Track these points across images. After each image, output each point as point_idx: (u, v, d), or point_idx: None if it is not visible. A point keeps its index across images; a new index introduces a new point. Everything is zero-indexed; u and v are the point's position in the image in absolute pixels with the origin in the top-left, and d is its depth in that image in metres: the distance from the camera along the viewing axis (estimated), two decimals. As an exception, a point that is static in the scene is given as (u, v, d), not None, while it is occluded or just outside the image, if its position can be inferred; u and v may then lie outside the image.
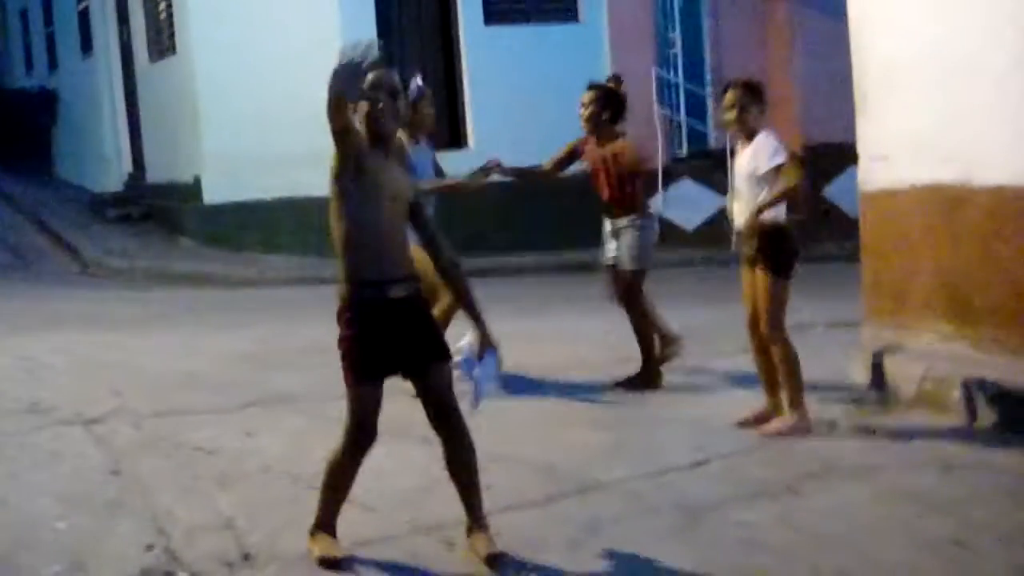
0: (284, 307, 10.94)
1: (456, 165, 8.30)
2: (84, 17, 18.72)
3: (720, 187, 14.91)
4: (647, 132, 13.68)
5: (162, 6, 15.77)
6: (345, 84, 3.80)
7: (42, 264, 14.46)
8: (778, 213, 5.59)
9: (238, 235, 14.22)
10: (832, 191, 14.37)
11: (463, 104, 14.71)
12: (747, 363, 6.81)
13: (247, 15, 13.88)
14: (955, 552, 4.15)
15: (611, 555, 4.19)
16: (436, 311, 6.66)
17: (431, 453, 4.83)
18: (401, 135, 6.55)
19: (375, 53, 3.89)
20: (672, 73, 16.31)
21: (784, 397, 5.71)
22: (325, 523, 4.14)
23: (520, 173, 7.32)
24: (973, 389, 5.76)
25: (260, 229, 14.05)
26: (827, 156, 13.62)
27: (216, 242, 14.45)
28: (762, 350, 5.80)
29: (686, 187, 15.12)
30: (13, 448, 5.58)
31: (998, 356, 6.07)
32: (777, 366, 5.70)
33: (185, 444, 5.60)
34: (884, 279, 6.93)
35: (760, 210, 5.53)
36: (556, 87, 13.47)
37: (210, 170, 14.33)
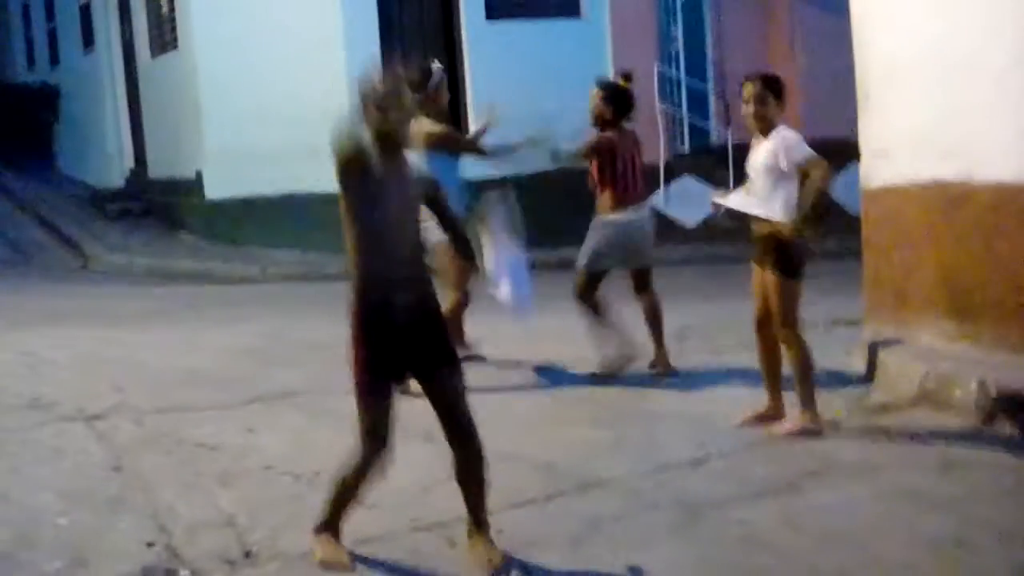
0: (285, 303, 10.95)
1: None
2: (86, 12, 18.71)
3: (722, 184, 14.94)
4: (649, 128, 13.66)
5: (164, 1, 15.76)
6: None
7: (43, 260, 14.47)
8: (788, 213, 5.53)
9: (239, 231, 14.22)
10: (833, 188, 14.35)
11: (465, 99, 14.70)
12: (748, 360, 6.81)
13: (249, 11, 13.87)
14: (956, 551, 4.15)
15: (612, 553, 4.19)
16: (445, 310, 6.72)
17: (433, 451, 4.85)
18: (422, 120, 6.60)
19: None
20: (674, 69, 16.30)
21: (796, 397, 5.66)
22: (331, 525, 4.14)
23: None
24: (974, 387, 5.75)
25: (261, 225, 14.04)
26: (828, 153, 13.57)
27: (217, 238, 14.45)
28: (768, 349, 5.77)
29: (687, 183, 15.11)
30: (15, 444, 5.59)
31: (999, 354, 6.08)
32: (789, 366, 5.66)
33: (187, 440, 5.61)
34: (885, 276, 6.94)
35: (807, 215, 5.46)
36: (558, 82, 13.51)
37: (211, 165, 14.33)
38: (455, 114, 14.74)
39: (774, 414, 5.77)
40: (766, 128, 5.61)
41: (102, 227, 15.80)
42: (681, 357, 7.11)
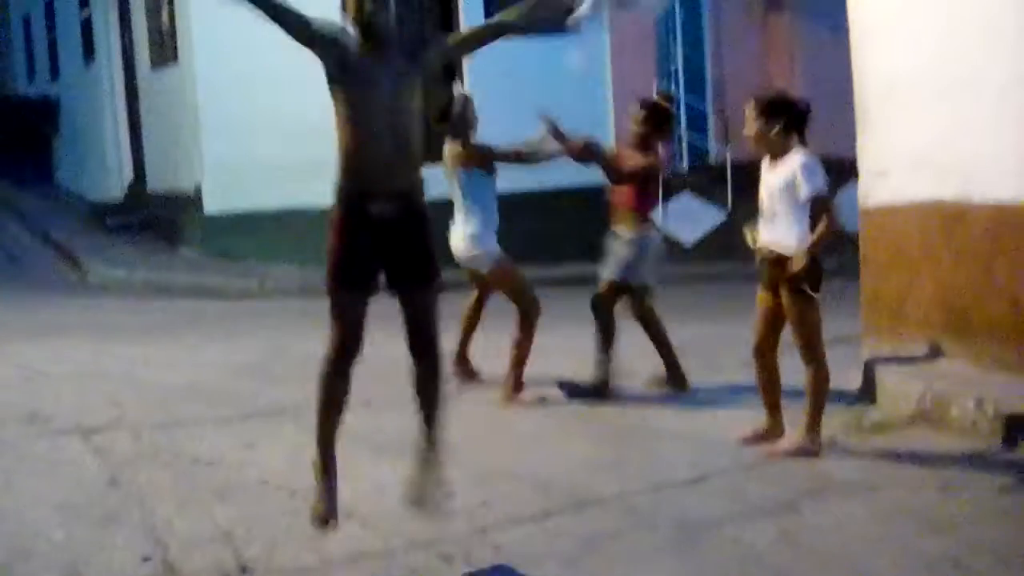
0: (284, 318, 10.94)
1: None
2: (86, 25, 18.75)
3: (720, 202, 14.96)
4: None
5: (164, 14, 15.79)
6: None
7: (41, 273, 14.46)
8: (801, 242, 5.49)
9: (238, 245, 14.21)
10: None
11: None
12: (746, 378, 6.80)
13: (249, 24, 13.81)
14: (953, 572, 4.13)
15: (608, 571, 4.19)
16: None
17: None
18: (454, 143, 6.77)
19: None
20: (673, 87, 16.33)
21: (802, 415, 5.62)
22: (323, 452, 4.16)
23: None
24: (972, 406, 5.75)
25: (260, 239, 14.03)
26: (827, 171, 13.60)
27: (216, 252, 14.44)
28: (766, 373, 5.74)
29: (686, 201, 15.12)
30: (11, 457, 5.58)
31: (997, 373, 6.08)
32: (805, 385, 5.62)
33: (184, 455, 5.60)
34: (883, 295, 6.94)
35: (812, 254, 5.42)
36: (556, 98, 13.52)
37: (211, 179, 14.33)
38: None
39: (773, 434, 5.75)
40: (772, 151, 5.56)
41: (100, 240, 15.79)
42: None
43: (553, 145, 6.81)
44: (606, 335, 6.83)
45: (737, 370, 6.88)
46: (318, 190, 4.11)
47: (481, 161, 6.82)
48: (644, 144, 6.88)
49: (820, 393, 5.58)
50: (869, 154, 7.02)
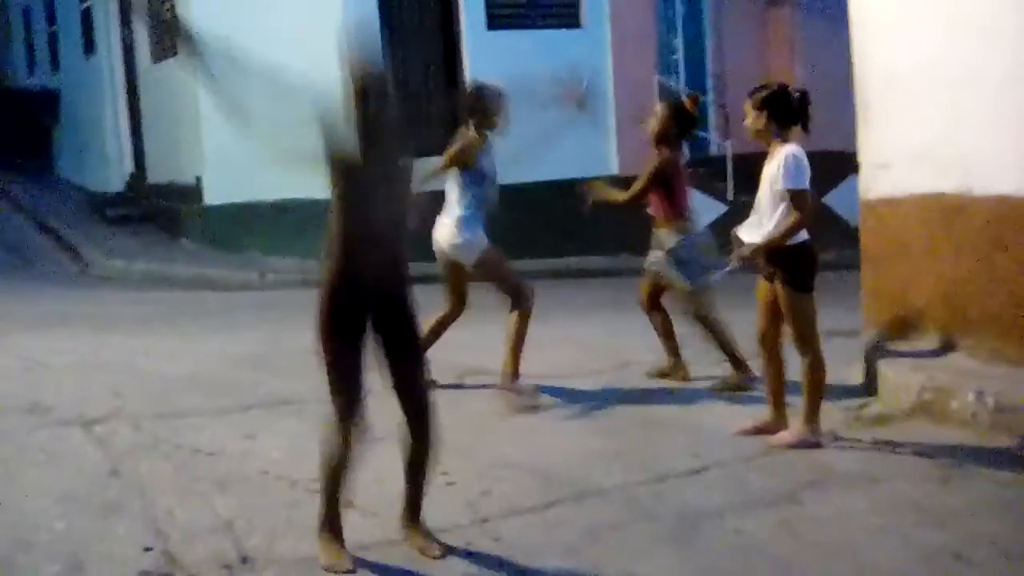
0: (284, 309, 10.92)
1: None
2: (87, 17, 18.72)
3: (721, 195, 14.95)
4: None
5: (165, 7, 15.77)
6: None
7: (42, 264, 14.47)
8: (798, 234, 5.49)
9: (239, 236, 14.21)
10: (832, 199, 14.39)
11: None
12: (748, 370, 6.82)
13: (250, 18, 13.88)
14: (953, 564, 4.15)
15: (609, 561, 4.20)
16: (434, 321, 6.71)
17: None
18: (472, 134, 6.64)
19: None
20: (674, 79, 16.32)
21: (801, 407, 5.64)
22: (329, 521, 4.15)
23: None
24: (972, 399, 5.76)
25: (261, 231, 14.03)
26: (827, 164, 13.63)
27: (216, 243, 14.44)
28: (772, 362, 5.76)
29: (687, 194, 15.09)
30: (12, 448, 5.58)
31: (997, 366, 6.08)
32: (801, 376, 5.63)
33: (185, 446, 5.60)
34: (884, 288, 6.95)
35: (767, 244, 5.46)
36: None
37: (211, 171, 14.31)
38: (455, 122, 14.74)
39: (775, 426, 5.75)
40: (767, 143, 5.58)
41: (101, 232, 15.80)
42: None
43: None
44: (716, 333, 6.85)
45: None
46: (319, 182, 4.12)
47: (460, 162, 6.62)
48: (662, 142, 6.89)
49: (817, 383, 5.59)
50: (870, 147, 7.02)
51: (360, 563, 4.10)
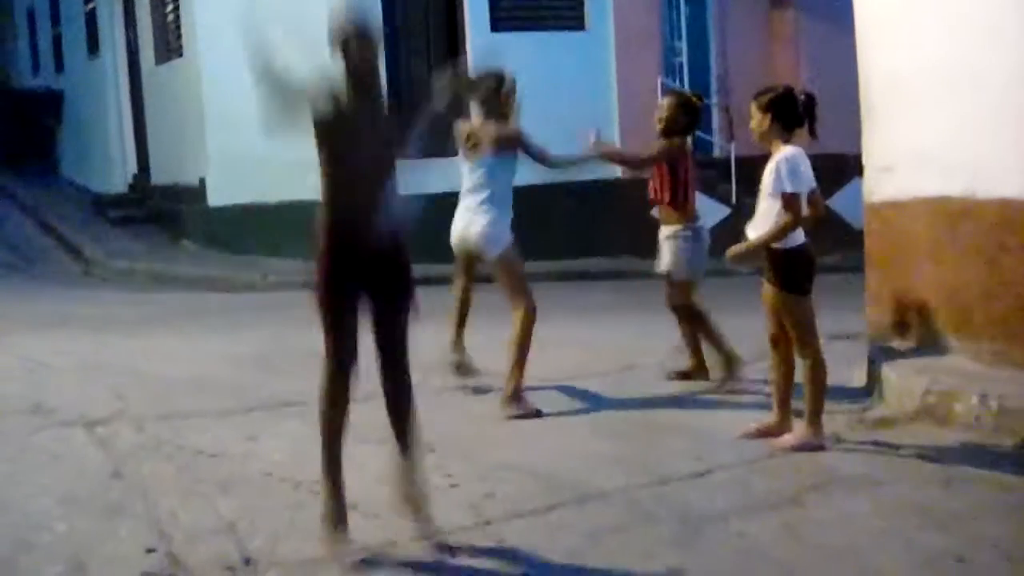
0: (287, 311, 10.90)
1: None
2: (91, 18, 18.75)
3: (725, 197, 14.94)
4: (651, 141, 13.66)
5: (169, 9, 15.79)
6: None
7: (45, 264, 14.48)
8: (791, 238, 5.50)
9: (241, 238, 14.22)
10: (835, 202, 14.39)
11: (468, 110, 14.69)
12: (752, 373, 6.82)
13: (254, 19, 13.88)
14: (956, 567, 4.14)
15: (611, 565, 4.19)
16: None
17: (433, 461, 4.88)
18: (491, 122, 6.61)
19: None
20: (678, 82, 16.31)
21: (804, 409, 5.63)
22: (330, 477, 4.21)
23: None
24: (976, 402, 5.74)
25: (264, 232, 14.04)
26: (831, 167, 13.62)
27: (219, 245, 14.45)
28: (780, 364, 5.73)
29: (690, 196, 15.07)
30: (14, 449, 5.58)
31: (1001, 369, 6.07)
32: (803, 379, 5.62)
33: (187, 447, 5.60)
34: (887, 291, 6.94)
35: (757, 245, 5.49)
36: (562, 95, 13.52)
37: (215, 172, 14.34)
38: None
39: (779, 429, 5.73)
40: (772, 145, 5.57)
41: (104, 233, 15.81)
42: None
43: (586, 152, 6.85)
44: (704, 328, 6.83)
45: (743, 364, 6.89)
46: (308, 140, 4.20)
47: (515, 144, 6.61)
48: (670, 132, 6.91)
49: (818, 386, 5.58)
50: (874, 150, 7.02)
51: (360, 563, 4.09)
